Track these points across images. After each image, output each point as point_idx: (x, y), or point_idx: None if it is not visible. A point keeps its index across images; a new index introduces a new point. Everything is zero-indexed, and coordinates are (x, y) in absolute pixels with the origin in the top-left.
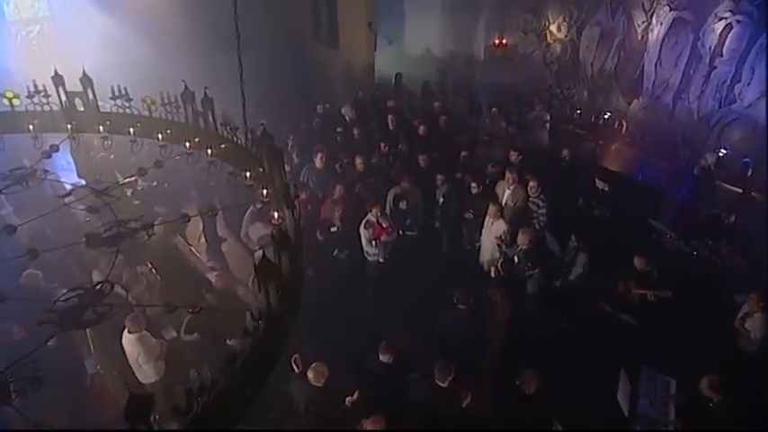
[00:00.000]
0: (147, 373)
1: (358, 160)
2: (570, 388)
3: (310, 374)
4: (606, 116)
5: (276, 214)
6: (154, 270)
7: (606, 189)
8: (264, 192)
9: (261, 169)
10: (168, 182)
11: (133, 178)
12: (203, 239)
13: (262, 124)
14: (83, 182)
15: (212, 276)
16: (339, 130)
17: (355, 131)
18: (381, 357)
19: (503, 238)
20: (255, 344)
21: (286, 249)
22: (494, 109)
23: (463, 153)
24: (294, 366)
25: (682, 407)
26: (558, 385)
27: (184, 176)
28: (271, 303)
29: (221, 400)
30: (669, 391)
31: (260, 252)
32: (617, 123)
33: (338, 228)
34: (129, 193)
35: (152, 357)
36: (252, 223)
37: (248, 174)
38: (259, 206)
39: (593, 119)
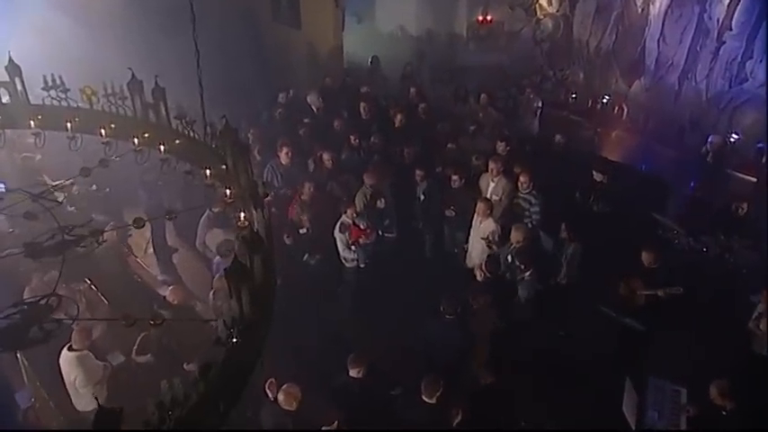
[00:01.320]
0: (84, 399)
1: (326, 156)
2: (571, 401)
3: (281, 397)
4: (604, 100)
5: (242, 215)
6: (94, 287)
7: (605, 181)
8: (228, 191)
9: (223, 167)
10: (110, 185)
11: (69, 181)
12: (151, 250)
13: (223, 116)
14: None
15: (164, 291)
16: (306, 121)
17: (324, 123)
18: (351, 372)
19: (490, 238)
20: (229, 354)
21: (258, 252)
22: (482, 95)
23: (449, 145)
24: (268, 392)
25: (694, 418)
26: (558, 398)
27: (130, 178)
28: (244, 310)
29: (195, 413)
30: (680, 402)
31: (225, 258)
32: (617, 108)
33: (308, 230)
34: (61, 199)
35: (91, 381)
36: (209, 229)
37: (208, 172)
38: (216, 210)
39: (589, 103)
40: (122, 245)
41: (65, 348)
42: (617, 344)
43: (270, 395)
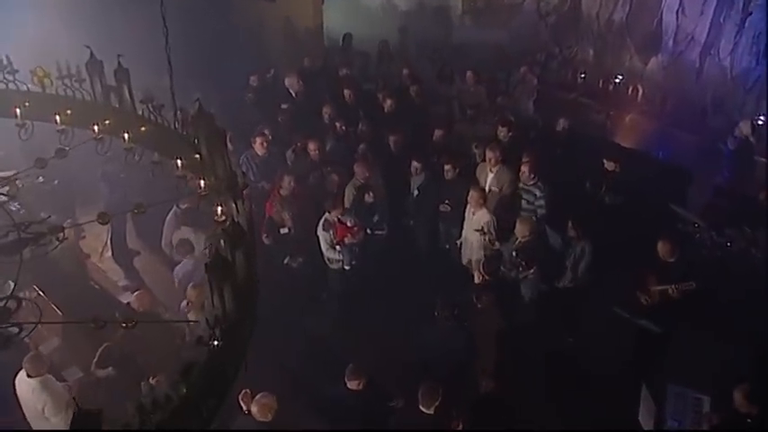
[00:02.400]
0: (56, 427)
1: (311, 145)
2: (581, 410)
3: (254, 409)
4: (617, 80)
5: (219, 209)
6: (43, 294)
7: (618, 170)
8: (202, 183)
9: (196, 156)
10: (61, 178)
11: (21, 173)
12: (109, 254)
13: (196, 99)
14: None
15: (127, 298)
16: (284, 106)
17: (304, 108)
18: (349, 384)
19: (485, 230)
20: (212, 354)
21: (240, 246)
22: (468, 73)
23: (438, 132)
24: (242, 404)
25: (717, 428)
26: (566, 408)
27: (87, 170)
28: (226, 308)
29: (176, 417)
30: (702, 410)
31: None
32: (631, 89)
33: (290, 229)
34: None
35: (61, 406)
36: (176, 228)
37: (179, 162)
38: (184, 206)
39: (600, 84)
40: (78, 247)
41: (21, 376)
42: (631, 347)
43: (244, 407)
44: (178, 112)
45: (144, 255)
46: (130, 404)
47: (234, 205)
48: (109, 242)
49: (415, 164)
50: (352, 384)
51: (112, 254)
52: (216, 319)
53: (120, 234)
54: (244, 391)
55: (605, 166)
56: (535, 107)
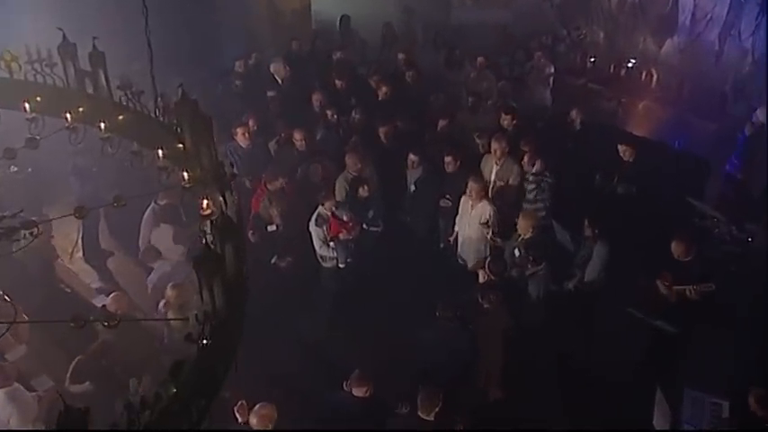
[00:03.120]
0: None
1: (297, 135)
2: (592, 416)
3: (254, 420)
4: (630, 64)
5: (205, 202)
6: (8, 298)
7: (631, 160)
8: (185, 174)
9: (179, 145)
10: (28, 170)
11: None
12: (80, 254)
13: (180, 85)
14: None
15: (101, 301)
16: (270, 94)
17: (292, 96)
18: (355, 391)
19: (489, 222)
20: (202, 352)
21: (230, 239)
22: (479, 59)
23: (441, 122)
24: (238, 415)
25: None
26: (577, 413)
27: (56, 162)
28: (216, 304)
29: (165, 417)
30: (720, 416)
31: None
32: (645, 73)
33: (278, 226)
34: None
35: (29, 418)
36: (155, 226)
37: (160, 152)
38: (163, 202)
39: (612, 69)
40: (48, 246)
41: None
42: (645, 349)
43: (240, 419)
44: (159, 99)
45: (118, 255)
46: (119, 402)
47: (221, 198)
48: (80, 242)
49: (411, 157)
50: (358, 392)
51: (83, 254)
52: (205, 316)
53: (92, 233)
54: (240, 403)
55: (619, 151)
56: (552, 97)
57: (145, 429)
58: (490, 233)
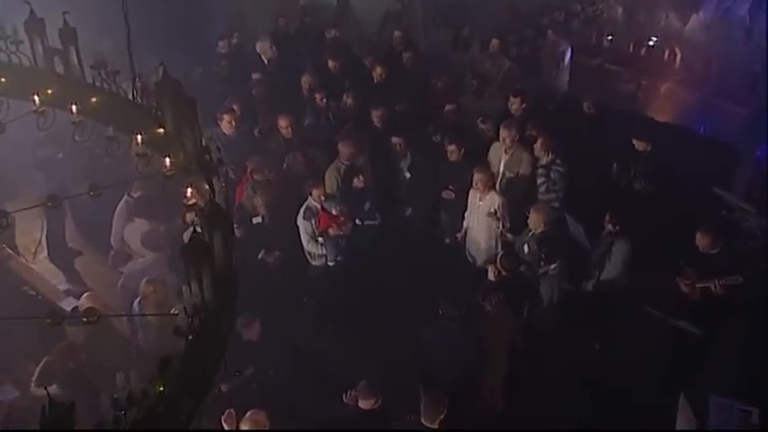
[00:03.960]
0: None
1: (283, 122)
2: (611, 426)
3: (245, 427)
4: (651, 42)
5: (189, 190)
6: None
7: (649, 149)
8: (167, 161)
9: (160, 130)
10: None
11: None
12: (44, 254)
13: (160, 64)
14: None
15: (70, 304)
16: (255, 76)
17: (279, 78)
18: (363, 404)
19: (498, 214)
20: (191, 347)
21: (219, 227)
22: (493, 41)
23: (448, 106)
24: (225, 425)
25: None
26: (594, 423)
27: (18, 152)
28: (205, 296)
29: (152, 415)
30: (750, 423)
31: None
32: (667, 53)
33: (263, 219)
34: None
35: None
36: (129, 221)
37: (139, 138)
38: (137, 194)
39: (631, 47)
40: (12, 244)
41: None
42: (667, 353)
43: (226, 427)
44: (137, 79)
45: (87, 255)
46: (105, 398)
47: (207, 186)
48: (44, 240)
49: (395, 139)
50: (366, 404)
51: (48, 254)
52: (194, 308)
53: (58, 231)
54: (228, 411)
55: (635, 145)
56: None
57: (132, 429)
58: (500, 226)
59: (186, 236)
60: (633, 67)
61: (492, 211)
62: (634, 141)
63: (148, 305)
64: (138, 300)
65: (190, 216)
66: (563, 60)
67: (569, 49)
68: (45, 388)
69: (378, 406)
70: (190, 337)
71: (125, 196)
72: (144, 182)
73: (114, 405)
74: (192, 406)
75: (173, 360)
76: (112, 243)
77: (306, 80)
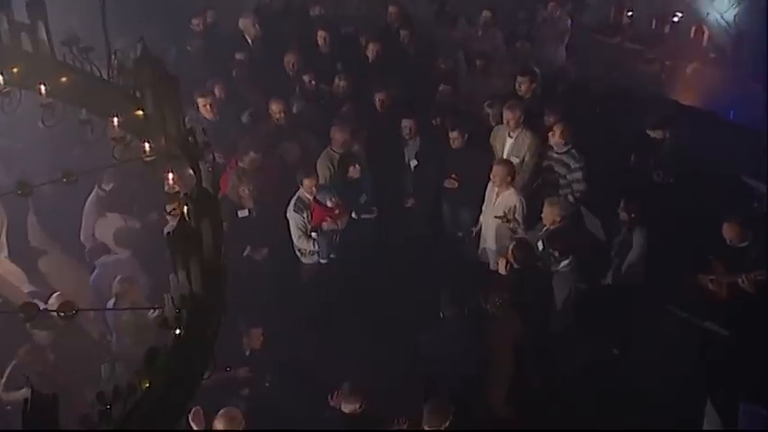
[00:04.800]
0: None
1: (275, 107)
2: None
3: (220, 425)
4: (675, 18)
5: (171, 177)
6: None
7: (667, 137)
8: (147, 146)
9: (139, 112)
10: None
11: None
12: (4, 253)
13: (140, 39)
14: None
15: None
16: (238, 57)
17: (264, 59)
18: (346, 407)
19: (509, 217)
20: (179, 341)
21: (207, 214)
22: (485, 13)
23: (442, 86)
24: (193, 424)
25: None
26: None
27: None
28: (193, 286)
29: (139, 412)
30: None
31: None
32: (693, 30)
33: (250, 212)
34: None
35: None
36: (100, 216)
37: (115, 120)
38: (109, 186)
39: (653, 24)
40: None
41: None
42: (692, 357)
43: (195, 426)
44: (114, 57)
45: (53, 254)
46: (90, 390)
47: (192, 171)
48: (3, 238)
49: (405, 122)
50: (348, 407)
51: (8, 254)
52: (182, 300)
53: (20, 228)
54: (195, 410)
55: (650, 134)
56: (568, 54)
57: (118, 429)
58: (515, 227)
59: (169, 228)
60: (656, 46)
61: (503, 213)
62: (648, 131)
63: (123, 305)
64: (113, 301)
65: (172, 205)
66: (564, 36)
67: (570, 24)
68: (27, 377)
69: (362, 410)
70: (177, 331)
71: (95, 189)
72: (117, 173)
73: (99, 399)
74: (181, 403)
75: (160, 352)
76: (83, 240)
77: (290, 59)
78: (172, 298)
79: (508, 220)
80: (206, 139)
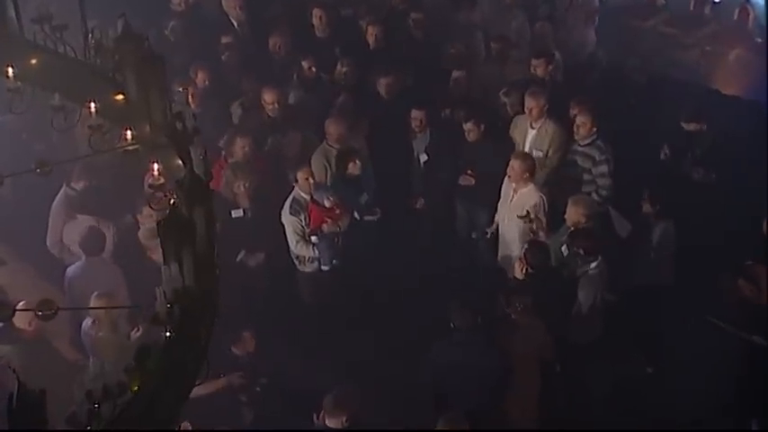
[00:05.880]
0: None
1: (268, 96)
2: None
3: None
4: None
5: (156, 167)
6: None
7: (705, 130)
8: (129, 134)
9: (119, 96)
10: None
11: None
12: None
13: (122, 15)
14: None
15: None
16: (225, 41)
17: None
18: (330, 422)
19: (531, 216)
20: (170, 340)
21: (200, 202)
22: None
23: (455, 73)
24: None
25: None
26: None
27: None
28: (186, 280)
29: (129, 414)
30: None
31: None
32: (737, 11)
33: (244, 212)
34: None
35: None
36: (70, 218)
37: (93, 106)
38: (80, 185)
39: (691, 5)
40: None
41: None
42: (736, 374)
43: None
44: (90, 35)
45: (12, 264)
46: (78, 388)
47: (180, 160)
48: None
49: (415, 113)
50: (333, 422)
51: None
52: (175, 294)
53: None
54: (182, 423)
55: (684, 126)
56: (597, 38)
57: (107, 429)
58: (533, 230)
59: (159, 217)
60: (694, 30)
61: (524, 212)
62: (682, 124)
63: (101, 326)
64: (90, 321)
65: (156, 198)
66: (593, 17)
67: (598, 4)
68: (14, 371)
69: (348, 424)
70: (166, 334)
71: (64, 188)
72: (89, 170)
73: (88, 398)
74: (174, 406)
75: (152, 350)
76: (49, 246)
77: (276, 42)
78: (164, 292)
79: (531, 220)
80: (196, 125)
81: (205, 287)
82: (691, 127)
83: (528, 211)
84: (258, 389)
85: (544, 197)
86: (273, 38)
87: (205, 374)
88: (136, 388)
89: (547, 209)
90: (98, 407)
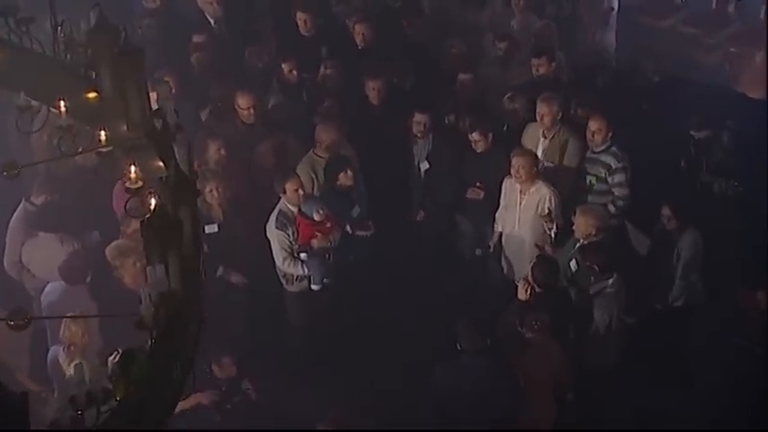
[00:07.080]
0: None
1: (242, 101)
2: None
3: None
4: None
5: (133, 170)
6: None
7: (726, 139)
8: (102, 134)
9: (92, 94)
10: None
11: None
12: None
13: (96, 5)
14: None
15: None
16: (197, 40)
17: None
18: None
19: (551, 212)
20: (156, 346)
21: (185, 201)
22: None
23: (461, 76)
24: None
25: None
26: None
27: None
28: (171, 282)
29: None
30: None
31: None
32: (763, 10)
33: (219, 226)
34: None
35: None
36: (29, 236)
37: (63, 105)
38: (40, 200)
39: (714, 3)
40: None
41: None
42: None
43: None
44: (59, 30)
45: None
46: (60, 395)
47: (161, 161)
48: None
49: (418, 117)
50: None
51: None
52: (160, 297)
53: None
54: None
55: (693, 135)
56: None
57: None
58: (554, 228)
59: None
60: (717, 30)
61: (544, 210)
62: (692, 132)
63: (75, 354)
64: (66, 347)
65: (134, 203)
66: (608, 17)
67: (616, 3)
68: None
69: None
70: (154, 334)
71: (23, 203)
72: (51, 183)
73: (72, 402)
74: (160, 415)
75: (136, 355)
76: (6, 267)
77: (255, 51)
78: (149, 294)
79: (552, 219)
80: (178, 121)
81: (191, 292)
82: (702, 135)
83: (549, 210)
84: (229, 407)
85: (555, 191)
86: (253, 47)
87: (191, 387)
88: (120, 396)
89: (560, 203)
90: (81, 413)
